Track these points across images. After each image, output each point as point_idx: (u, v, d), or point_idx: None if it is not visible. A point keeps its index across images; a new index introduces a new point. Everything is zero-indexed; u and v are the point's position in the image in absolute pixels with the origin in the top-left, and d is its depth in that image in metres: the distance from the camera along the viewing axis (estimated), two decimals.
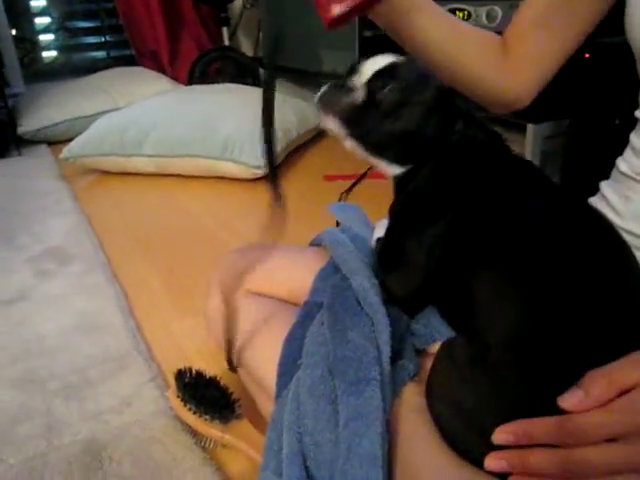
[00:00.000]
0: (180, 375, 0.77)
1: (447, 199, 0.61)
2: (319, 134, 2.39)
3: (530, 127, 1.46)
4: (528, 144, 1.47)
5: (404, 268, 0.65)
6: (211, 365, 0.90)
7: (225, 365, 0.82)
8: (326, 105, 0.65)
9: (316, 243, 0.89)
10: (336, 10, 0.65)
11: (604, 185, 0.77)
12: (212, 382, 0.77)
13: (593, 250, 0.55)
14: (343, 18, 0.67)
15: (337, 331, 0.62)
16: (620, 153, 0.76)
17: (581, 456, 0.44)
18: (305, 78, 2.59)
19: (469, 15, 1.58)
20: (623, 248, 0.56)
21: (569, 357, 0.49)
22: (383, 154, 0.66)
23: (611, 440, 0.44)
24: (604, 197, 0.75)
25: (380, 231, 0.72)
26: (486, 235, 0.57)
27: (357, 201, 1.70)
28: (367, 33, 1.96)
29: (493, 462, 0.48)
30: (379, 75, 0.63)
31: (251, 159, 1.79)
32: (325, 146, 2.32)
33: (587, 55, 1.23)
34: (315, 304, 0.73)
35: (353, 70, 0.66)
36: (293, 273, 0.83)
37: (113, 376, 0.93)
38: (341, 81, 0.66)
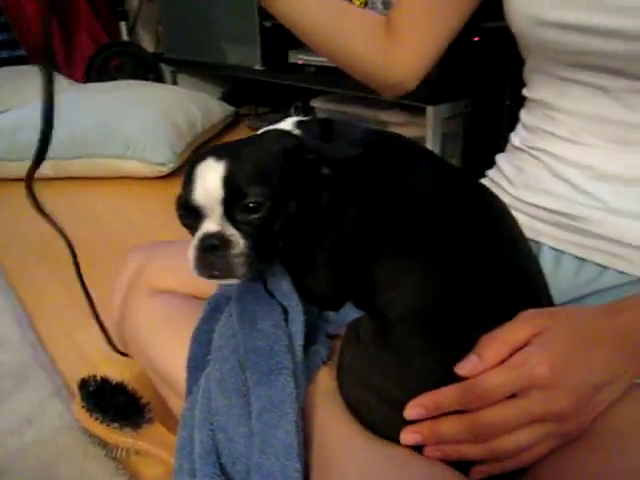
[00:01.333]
0: (84, 384, 0.72)
1: (345, 201, 0.62)
2: (227, 127, 2.35)
3: (429, 109, 1.50)
4: (429, 126, 1.51)
5: (313, 272, 0.65)
6: (121, 372, 0.86)
7: (137, 369, 0.78)
8: (226, 276, 0.58)
9: None
10: None
11: (499, 157, 0.80)
12: (119, 388, 0.72)
13: (479, 219, 0.58)
14: None
15: (246, 322, 0.60)
16: (512, 129, 0.79)
17: (485, 417, 0.46)
18: (208, 71, 2.53)
19: (365, 3, 1.60)
20: (506, 214, 0.60)
21: (465, 323, 0.51)
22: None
23: (513, 396, 0.46)
24: (499, 168, 0.78)
25: None
26: (380, 220, 0.59)
27: None
28: (267, 24, 1.94)
29: (408, 436, 0.49)
30: (232, 201, 0.56)
31: (155, 156, 1.72)
32: (234, 138, 2.28)
33: (476, 38, 1.28)
34: (222, 297, 0.71)
35: (192, 210, 0.58)
36: None
37: (10, 395, 0.86)
38: (206, 237, 0.57)
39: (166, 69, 2.67)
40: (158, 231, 1.48)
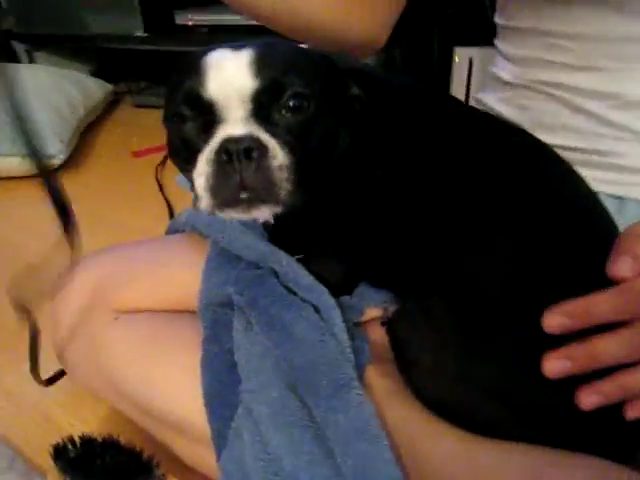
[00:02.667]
0: (59, 452, 0.55)
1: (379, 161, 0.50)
2: (111, 106, 2.08)
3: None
4: None
5: (328, 247, 0.55)
6: (88, 421, 0.69)
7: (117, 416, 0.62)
8: (265, 197, 0.41)
9: (174, 231, 0.71)
10: None
11: (485, 97, 0.73)
12: (110, 445, 0.56)
13: (545, 177, 0.49)
14: None
15: (279, 332, 0.48)
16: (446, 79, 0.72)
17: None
18: (74, 46, 2.20)
19: None
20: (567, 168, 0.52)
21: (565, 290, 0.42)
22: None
23: None
24: (491, 110, 0.71)
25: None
26: (434, 181, 0.48)
27: (175, 172, 1.54)
28: None
29: (555, 364, 0.39)
30: (268, 93, 0.41)
31: (41, 148, 1.45)
32: (121, 119, 2.03)
33: None
34: (218, 306, 0.57)
35: (201, 108, 0.42)
36: (170, 274, 0.64)
37: None
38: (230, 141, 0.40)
39: (19, 47, 2.29)
40: (56, 233, 1.26)
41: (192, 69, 0.42)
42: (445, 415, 0.45)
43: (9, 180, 1.50)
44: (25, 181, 1.49)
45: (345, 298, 0.56)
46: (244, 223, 0.60)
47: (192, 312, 0.60)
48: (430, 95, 0.55)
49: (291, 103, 0.41)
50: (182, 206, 1.24)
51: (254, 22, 1.66)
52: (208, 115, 0.42)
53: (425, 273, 0.49)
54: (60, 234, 0.53)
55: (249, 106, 0.41)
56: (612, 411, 0.41)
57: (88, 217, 1.30)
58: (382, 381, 0.51)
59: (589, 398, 0.40)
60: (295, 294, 0.52)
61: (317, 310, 0.50)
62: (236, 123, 0.41)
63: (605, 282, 0.41)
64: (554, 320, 0.40)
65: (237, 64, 0.41)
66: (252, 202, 0.41)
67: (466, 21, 1.30)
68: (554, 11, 0.61)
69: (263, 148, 0.40)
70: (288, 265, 0.52)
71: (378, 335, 0.55)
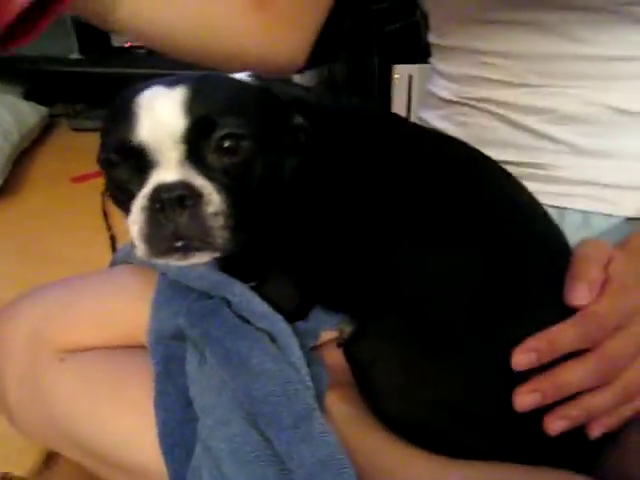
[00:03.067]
0: None
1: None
2: (47, 130, 2.00)
3: (295, 79, 1.40)
4: None
5: (282, 272, 0.54)
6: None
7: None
8: (201, 243, 0.40)
9: (120, 262, 0.69)
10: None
11: (426, 115, 0.75)
12: None
13: (487, 187, 0.50)
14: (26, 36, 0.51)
15: (235, 364, 0.47)
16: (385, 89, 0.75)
17: (611, 349, 0.40)
18: (7, 67, 2.12)
19: None
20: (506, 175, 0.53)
21: (524, 307, 0.44)
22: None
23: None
24: (433, 128, 0.72)
25: None
26: (383, 203, 0.48)
27: None
28: None
29: (525, 398, 0.40)
30: (200, 135, 0.40)
31: None
32: (58, 144, 1.96)
33: None
34: (170, 339, 0.55)
35: (131, 154, 0.41)
36: (117, 308, 0.61)
37: None
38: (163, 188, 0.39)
39: None
40: (2, 268, 1.20)
41: (123, 112, 0.41)
42: (412, 437, 0.45)
43: None
44: None
45: (299, 323, 0.55)
46: None
47: (142, 347, 0.57)
48: (373, 115, 0.56)
49: (225, 144, 0.40)
50: (128, 235, 1.21)
51: None
52: (140, 160, 0.40)
53: (378, 293, 0.49)
54: None
55: (182, 147, 0.40)
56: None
57: (26, 248, 1.26)
58: (342, 406, 0.50)
59: (556, 423, 0.41)
60: (249, 323, 0.51)
61: (273, 339, 0.49)
62: (169, 167, 0.39)
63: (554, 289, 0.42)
64: (522, 359, 0.40)
65: (168, 104, 0.40)
66: (188, 250, 0.40)
67: (404, 39, 1.34)
68: (483, 31, 0.63)
69: (197, 195, 0.38)
70: (241, 294, 0.51)
71: (334, 358, 0.54)
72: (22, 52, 1.86)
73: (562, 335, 0.41)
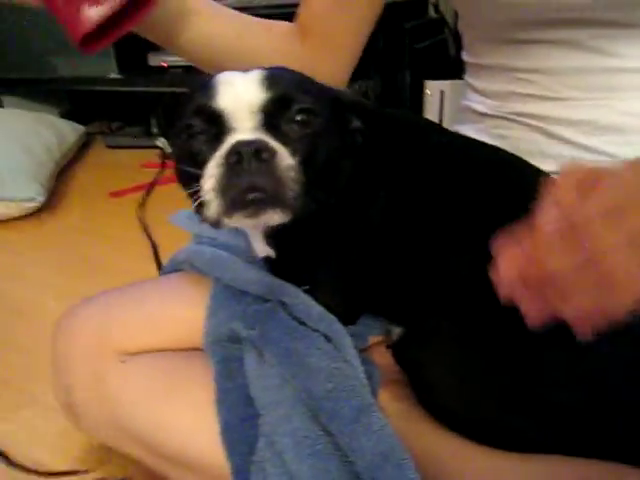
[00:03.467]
0: None
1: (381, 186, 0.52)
2: (84, 147, 2.08)
3: None
4: None
5: (333, 280, 0.57)
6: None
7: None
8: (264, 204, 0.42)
9: (172, 269, 0.72)
10: (92, 14, 0.50)
11: (464, 129, 0.77)
12: None
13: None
14: (103, 38, 0.53)
15: (295, 363, 0.49)
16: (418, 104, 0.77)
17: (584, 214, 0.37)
18: (45, 88, 2.20)
19: None
20: None
21: None
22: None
23: None
24: None
25: (260, 246, 0.59)
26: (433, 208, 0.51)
27: (155, 212, 1.55)
28: None
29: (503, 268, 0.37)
30: (277, 107, 0.44)
31: (19, 192, 1.44)
32: (94, 161, 2.03)
33: None
34: (226, 341, 0.58)
35: (212, 119, 0.44)
36: (174, 313, 0.65)
37: None
38: (224, 154, 0.42)
39: None
40: (47, 279, 1.25)
41: (202, 87, 0.45)
42: (466, 431, 0.47)
43: None
44: (2, 225, 1.49)
45: (349, 327, 0.58)
46: (239, 255, 0.62)
47: (199, 350, 0.60)
48: (420, 124, 0.59)
49: (299, 117, 0.44)
50: (166, 246, 1.25)
51: None
52: (218, 126, 0.44)
53: (428, 299, 0.51)
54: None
55: (258, 117, 0.43)
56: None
57: (69, 259, 1.31)
58: (394, 403, 0.53)
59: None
60: (305, 325, 0.53)
61: (328, 339, 0.52)
62: (246, 131, 0.43)
63: None
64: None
65: (247, 80, 0.44)
66: (260, 205, 0.42)
67: (433, 56, 1.37)
68: (515, 49, 0.65)
69: (272, 151, 0.41)
70: (297, 297, 0.54)
71: (383, 358, 0.57)
72: (62, 73, 1.95)
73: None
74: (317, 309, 0.53)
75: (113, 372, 0.62)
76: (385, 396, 0.53)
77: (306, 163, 0.43)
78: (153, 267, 1.18)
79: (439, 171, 0.53)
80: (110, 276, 1.17)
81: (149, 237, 1.32)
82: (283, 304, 0.55)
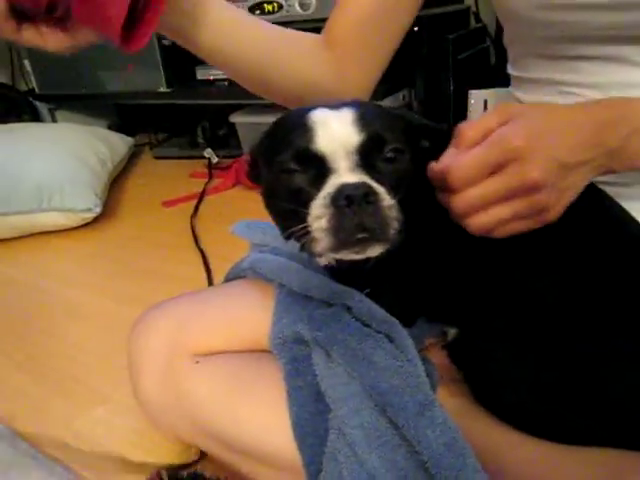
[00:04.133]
0: None
1: None
2: (132, 158, 2.17)
3: None
4: None
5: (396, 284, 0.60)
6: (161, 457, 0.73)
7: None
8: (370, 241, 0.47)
9: (234, 276, 0.76)
10: (113, 11, 0.53)
11: None
12: (195, 477, 0.60)
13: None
14: (141, 33, 0.56)
15: (362, 362, 0.54)
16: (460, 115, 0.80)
17: (468, 194, 0.48)
18: (96, 103, 2.31)
19: (280, 7, 1.54)
20: None
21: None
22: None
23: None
24: None
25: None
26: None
27: (203, 221, 1.61)
28: (166, 42, 1.80)
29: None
30: (370, 147, 0.48)
31: (77, 203, 1.52)
32: (143, 171, 2.11)
33: (416, 28, 1.29)
34: (293, 343, 0.62)
35: (310, 162, 0.48)
36: (242, 317, 0.70)
37: None
38: (349, 187, 0.46)
39: (42, 107, 2.40)
40: (106, 284, 1.32)
41: (296, 127, 0.49)
42: (526, 426, 0.50)
43: (47, 234, 1.57)
44: (61, 234, 1.58)
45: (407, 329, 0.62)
46: (300, 263, 0.66)
47: (267, 351, 0.65)
48: None
49: (391, 155, 0.48)
50: (214, 253, 1.32)
51: None
52: (317, 167, 0.48)
53: (485, 302, 0.55)
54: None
55: (355, 157, 0.47)
56: None
57: (127, 265, 1.38)
58: (452, 400, 0.56)
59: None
60: (369, 327, 0.57)
61: (390, 340, 0.56)
62: (346, 172, 0.47)
63: None
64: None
65: (342, 120, 0.48)
66: (367, 241, 0.46)
67: (475, 65, 1.39)
68: (561, 64, 0.67)
69: (375, 192, 0.46)
70: (361, 301, 0.58)
71: (439, 358, 0.60)
72: (112, 88, 2.04)
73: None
74: (380, 312, 0.57)
75: (187, 372, 0.66)
76: (442, 393, 0.57)
77: (398, 196, 0.47)
78: (203, 274, 1.24)
79: None
80: (163, 282, 1.24)
81: (197, 245, 1.38)
82: (347, 308, 0.59)
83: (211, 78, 1.81)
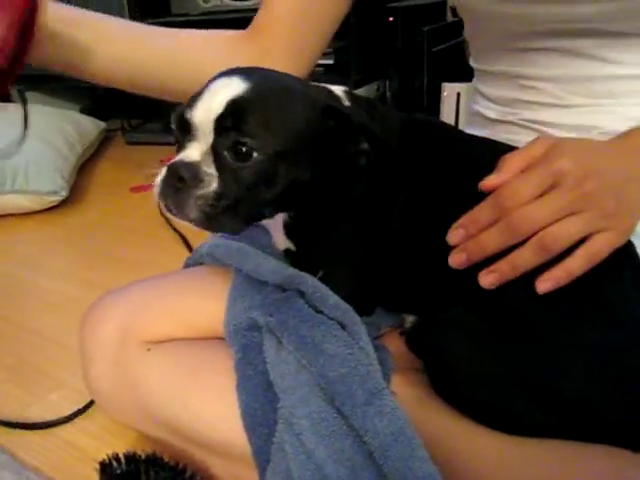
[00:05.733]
0: (104, 469, 0.57)
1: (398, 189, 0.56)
2: (104, 143, 2.12)
3: None
4: None
5: (349, 275, 0.60)
6: (117, 447, 0.71)
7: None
8: (179, 213, 0.50)
9: (194, 263, 0.75)
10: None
11: (478, 134, 0.79)
12: (154, 461, 0.58)
13: None
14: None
15: (311, 349, 0.52)
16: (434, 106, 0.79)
17: (520, 212, 0.47)
18: (70, 85, 2.25)
19: None
20: None
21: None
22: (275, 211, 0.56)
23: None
24: None
25: (281, 239, 0.62)
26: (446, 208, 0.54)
27: None
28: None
29: (455, 257, 0.50)
30: (223, 132, 0.48)
31: (42, 185, 1.48)
32: (114, 156, 2.08)
33: (390, 19, 1.28)
34: (246, 330, 0.61)
35: (185, 128, 0.50)
36: (197, 304, 0.68)
37: None
38: (178, 164, 0.49)
39: (10, 87, 2.33)
40: (71, 270, 1.29)
41: (197, 92, 0.50)
42: (479, 417, 0.50)
43: (11, 217, 1.53)
44: (26, 218, 1.53)
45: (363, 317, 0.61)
46: (264, 251, 0.65)
47: (221, 338, 0.63)
48: (436, 126, 0.61)
49: (241, 148, 0.48)
50: (194, 239, 1.28)
51: None
52: (187, 133, 0.50)
53: (444, 290, 0.54)
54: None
55: (212, 136, 0.48)
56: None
57: (94, 251, 1.35)
58: (406, 389, 0.55)
59: (487, 277, 0.48)
60: (322, 313, 0.56)
61: (343, 326, 0.54)
62: (199, 147, 0.49)
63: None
64: (455, 233, 0.50)
65: (222, 97, 0.48)
66: (172, 213, 0.50)
67: (450, 58, 1.39)
68: (520, 57, 0.67)
69: (196, 178, 0.48)
70: (314, 286, 0.56)
71: (396, 346, 0.60)
72: None
73: (479, 211, 0.49)
74: (333, 298, 0.56)
75: (138, 360, 0.65)
76: (398, 382, 0.56)
77: (238, 190, 0.49)
78: (172, 259, 1.20)
79: (455, 169, 0.56)
80: (131, 267, 1.22)
81: (175, 229, 1.35)
82: (301, 293, 0.58)
83: None
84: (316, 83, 0.57)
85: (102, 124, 2.09)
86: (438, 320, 0.53)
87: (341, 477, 0.46)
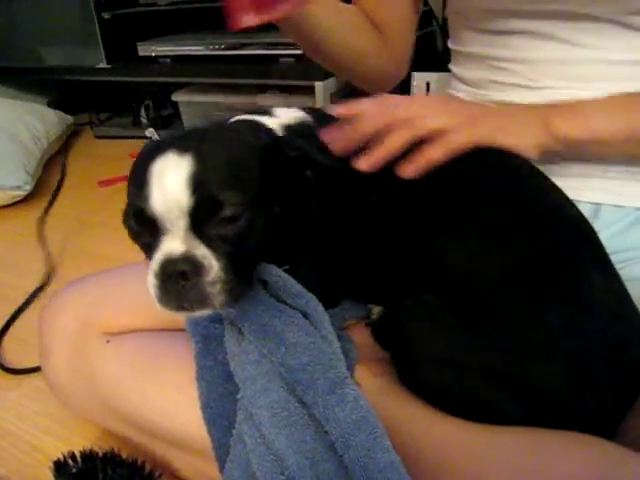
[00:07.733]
0: (60, 468, 0.55)
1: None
2: (72, 137, 2.07)
3: (318, 85, 1.45)
4: (318, 102, 1.46)
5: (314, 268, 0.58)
6: (74, 444, 0.69)
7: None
8: (201, 306, 0.47)
9: None
10: (246, 22, 0.53)
11: None
12: (110, 459, 0.57)
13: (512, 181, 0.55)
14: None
15: (272, 338, 0.51)
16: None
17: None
18: (34, 78, 2.19)
19: None
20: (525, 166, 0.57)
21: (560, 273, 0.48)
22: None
23: None
24: None
25: None
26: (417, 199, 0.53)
27: None
28: (106, 15, 1.71)
29: (364, 163, 0.53)
30: (198, 210, 0.45)
31: (5, 180, 1.44)
32: (82, 150, 2.02)
33: None
34: (207, 321, 0.59)
35: (144, 223, 0.46)
36: None
37: None
38: (171, 262, 0.45)
39: None
40: (32, 266, 1.25)
41: (139, 178, 0.46)
42: (447, 405, 0.48)
43: None
44: None
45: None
46: None
47: (181, 330, 0.61)
48: None
49: (227, 216, 0.46)
50: None
51: (216, 52, 1.73)
52: (152, 227, 0.46)
53: (412, 277, 0.53)
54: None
55: (187, 221, 0.45)
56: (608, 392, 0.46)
57: (59, 246, 1.31)
58: (371, 379, 0.54)
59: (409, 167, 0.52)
60: (284, 303, 0.54)
61: (306, 316, 0.53)
62: (176, 236, 0.45)
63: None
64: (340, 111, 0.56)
65: (176, 179, 0.45)
66: (192, 309, 0.46)
67: (421, 48, 1.38)
68: (495, 39, 0.67)
69: (197, 266, 0.44)
70: (277, 275, 0.55)
71: (362, 337, 0.58)
72: (50, 62, 1.94)
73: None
74: (297, 287, 0.54)
75: (97, 352, 0.63)
76: (363, 372, 0.55)
77: (236, 255, 0.47)
78: (140, 254, 1.19)
79: None
80: (99, 262, 1.18)
81: None
82: (264, 283, 0.56)
83: (153, 55, 1.72)
84: (244, 117, 0.56)
85: (69, 118, 2.03)
86: (405, 305, 0.51)
87: (301, 468, 0.44)
